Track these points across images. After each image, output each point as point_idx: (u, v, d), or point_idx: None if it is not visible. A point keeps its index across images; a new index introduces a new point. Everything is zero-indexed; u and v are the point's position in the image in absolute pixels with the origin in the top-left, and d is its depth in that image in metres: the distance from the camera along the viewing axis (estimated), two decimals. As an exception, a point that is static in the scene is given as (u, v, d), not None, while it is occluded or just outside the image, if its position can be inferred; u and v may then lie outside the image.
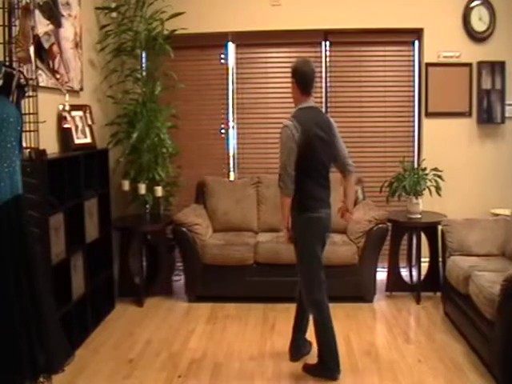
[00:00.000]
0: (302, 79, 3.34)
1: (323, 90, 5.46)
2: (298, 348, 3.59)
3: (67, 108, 4.01)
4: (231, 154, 5.59)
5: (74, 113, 4.13)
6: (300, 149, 3.23)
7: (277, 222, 5.02)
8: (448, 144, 5.24)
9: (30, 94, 2.88)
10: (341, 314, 4.36)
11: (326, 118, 3.49)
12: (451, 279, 3.98)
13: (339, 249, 4.56)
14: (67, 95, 3.96)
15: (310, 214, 3.29)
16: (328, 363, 3.34)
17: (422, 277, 4.67)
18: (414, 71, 5.39)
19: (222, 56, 5.52)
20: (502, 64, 5.14)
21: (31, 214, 2.77)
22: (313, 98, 3.49)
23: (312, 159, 3.29)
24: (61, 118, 3.99)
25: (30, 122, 2.90)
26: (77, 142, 4.10)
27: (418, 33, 5.30)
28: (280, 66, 5.52)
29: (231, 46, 5.50)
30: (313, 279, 3.32)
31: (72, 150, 4.00)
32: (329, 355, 3.33)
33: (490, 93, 5.17)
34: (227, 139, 5.58)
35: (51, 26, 3.81)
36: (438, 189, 4.64)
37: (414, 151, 5.45)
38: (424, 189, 4.65)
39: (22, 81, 2.69)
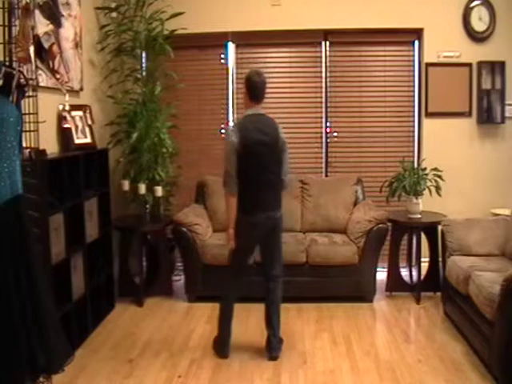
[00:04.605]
0: (252, 88, 3.54)
1: (323, 89, 5.46)
2: (271, 345, 3.63)
3: (67, 108, 4.01)
4: (231, 154, 5.58)
5: (73, 113, 4.13)
6: (239, 153, 3.44)
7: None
8: (448, 144, 5.24)
9: (30, 93, 2.88)
10: (341, 314, 4.37)
11: (273, 126, 3.60)
12: (451, 279, 3.98)
13: (339, 249, 4.57)
14: (67, 95, 3.95)
15: (246, 217, 3.51)
16: (218, 342, 3.69)
17: (422, 277, 4.67)
18: (413, 71, 5.39)
19: (222, 56, 5.52)
20: (502, 64, 5.14)
21: (31, 214, 2.77)
22: (261, 105, 3.61)
23: (251, 163, 3.48)
24: (61, 118, 3.99)
25: (30, 122, 2.90)
26: (77, 141, 4.10)
27: (417, 33, 5.30)
28: (280, 66, 5.53)
29: (231, 46, 5.49)
30: (234, 267, 3.70)
31: (72, 150, 4.00)
32: (220, 334, 3.68)
33: (490, 93, 5.17)
34: (227, 139, 5.58)
35: (51, 26, 3.80)
36: (437, 189, 4.63)
37: (414, 151, 5.45)
38: (424, 189, 4.65)
39: (22, 81, 2.69)
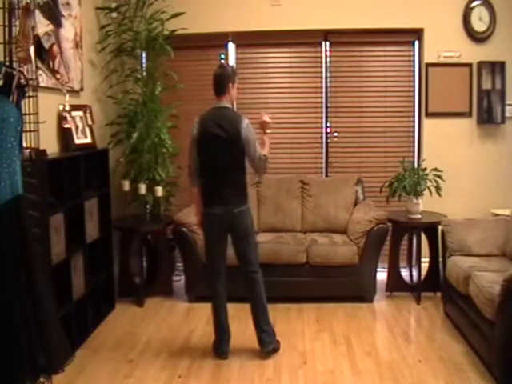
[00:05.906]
0: (212, 82, 3.56)
1: (323, 89, 5.46)
2: (263, 342, 3.63)
3: (67, 108, 4.01)
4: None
5: (74, 113, 4.13)
6: (198, 146, 3.53)
7: (277, 223, 5.05)
8: (448, 144, 5.24)
9: (31, 94, 2.88)
10: (341, 314, 4.37)
11: (235, 121, 3.52)
12: (451, 279, 3.98)
13: (339, 249, 4.57)
14: (67, 95, 3.95)
15: (206, 210, 3.60)
16: (215, 342, 3.70)
17: (422, 277, 4.67)
18: (414, 71, 5.39)
19: (223, 56, 5.52)
20: (502, 64, 5.14)
21: (31, 214, 2.77)
22: (225, 98, 3.55)
23: (206, 156, 3.53)
24: (61, 118, 3.99)
25: (30, 122, 2.90)
26: (77, 142, 4.10)
27: (418, 33, 5.30)
28: (280, 66, 5.53)
29: (231, 46, 5.49)
30: (209, 266, 3.73)
31: (72, 150, 4.00)
32: (215, 335, 3.69)
33: (490, 93, 5.17)
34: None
35: (51, 26, 3.81)
36: (438, 189, 4.63)
37: (414, 151, 5.45)
38: (424, 189, 4.65)
39: (23, 81, 2.69)
